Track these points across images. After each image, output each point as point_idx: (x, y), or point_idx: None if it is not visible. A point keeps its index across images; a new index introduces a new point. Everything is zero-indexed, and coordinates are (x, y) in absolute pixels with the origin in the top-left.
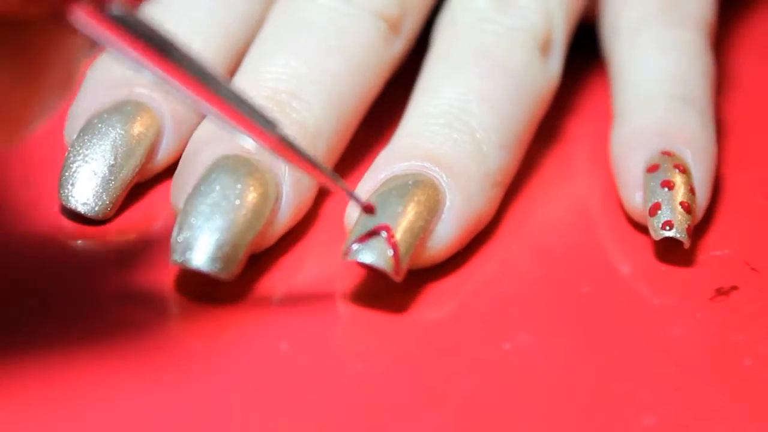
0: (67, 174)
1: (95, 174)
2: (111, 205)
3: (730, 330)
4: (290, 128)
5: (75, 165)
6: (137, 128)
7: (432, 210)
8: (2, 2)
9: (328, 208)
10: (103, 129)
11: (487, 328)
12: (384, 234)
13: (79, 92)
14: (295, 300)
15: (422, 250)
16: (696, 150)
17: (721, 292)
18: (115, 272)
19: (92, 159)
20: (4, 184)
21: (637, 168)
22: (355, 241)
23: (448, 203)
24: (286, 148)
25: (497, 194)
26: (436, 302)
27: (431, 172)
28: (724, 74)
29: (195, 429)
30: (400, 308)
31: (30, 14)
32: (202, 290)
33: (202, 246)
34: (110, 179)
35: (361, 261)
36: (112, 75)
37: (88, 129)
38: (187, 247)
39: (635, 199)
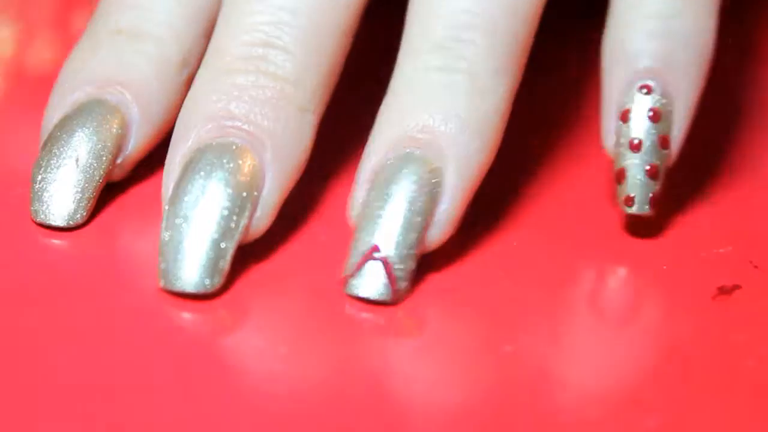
0: (33, 190)
1: (60, 184)
2: (81, 213)
3: (733, 330)
4: (268, 85)
5: (39, 179)
6: (99, 129)
7: (429, 199)
8: None
9: (327, 207)
10: (64, 137)
11: (488, 330)
12: (378, 256)
13: (48, 104)
14: (294, 302)
15: (424, 246)
16: (682, 76)
17: (723, 291)
18: (104, 274)
19: (55, 169)
20: None
21: (614, 105)
22: (351, 273)
23: (447, 180)
24: None
25: (501, 130)
26: (436, 303)
27: (426, 149)
28: (726, 71)
29: None
30: (400, 309)
31: None
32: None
33: (181, 266)
34: (77, 186)
35: (359, 296)
36: (72, 78)
37: (49, 140)
38: (167, 270)
39: (608, 144)
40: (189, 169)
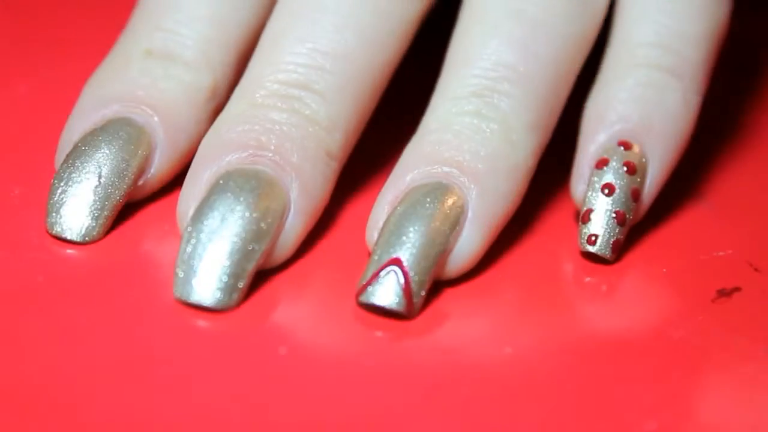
0: (51, 201)
1: (80, 199)
2: (98, 230)
3: (733, 332)
4: (301, 125)
5: (59, 191)
6: (125, 148)
7: (451, 227)
8: None
9: (328, 210)
10: (89, 151)
11: (488, 332)
12: (396, 269)
13: (69, 117)
14: (294, 303)
15: (442, 271)
16: (661, 136)
17: (723, 293)
18: (108, 280)
19: (76, 183)
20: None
21: (589, 156)
22: (368, 281)
23: (470, 214)
24: None
25: (526, 183)
26: (436, 305)
27: (455, 179)
28: (726, 73)
29: None
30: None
31: None
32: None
33: (200, 280)
34: (96, 203)
35: (372, 304)
36: (100, 93)
37: (73, 153)
38: (186, 281)
39: (576, 192)
40: (217, 189)
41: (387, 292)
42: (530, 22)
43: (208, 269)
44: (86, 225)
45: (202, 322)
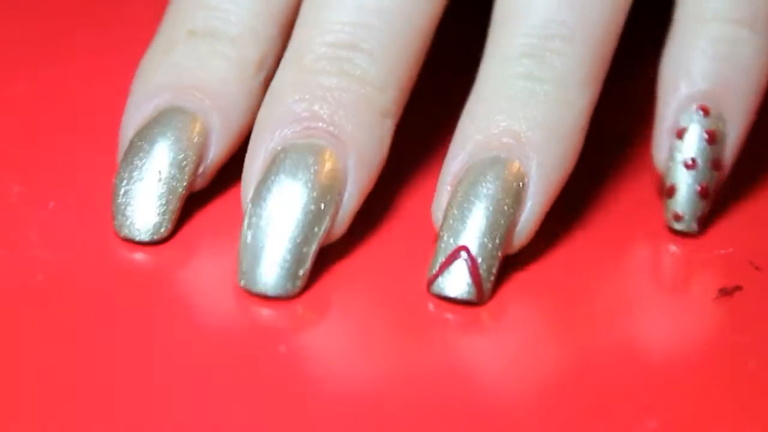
0: (116, 203)
1: (144, 197)
2: (166, 226)
3: (734, 331)
4: (352, 88)
5: (122, 192)
6: (181, 139)
7: (514, 204)
8: None
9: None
10: (145, 146)
11: (486, 331)
12: (464, 256)
13: (124, 111)
14: (294, 302)
15: (509, 248)
16: (740, 99)
17: (724, 292)
18: (107, 280)
19: (138, 181)
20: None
21: (668, 123)
22: (437, 273)
23: (532, 187)
24: None
25: (582, 139)
26: (434, 306)
27: (513, 153)
28: None
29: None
30: (401, 311)
31: None
32: (197, 292)
33: (263, 270)
34: (161, 199)
35: (444, 295)
36: (148, 83)
37: (130, 150)
38: (250, 270)
39: (659, 159)
40: (272, 169)
41: (457, 282)
42: None
43: (270, 257)
44: (154, 223)
45: (202, 320)
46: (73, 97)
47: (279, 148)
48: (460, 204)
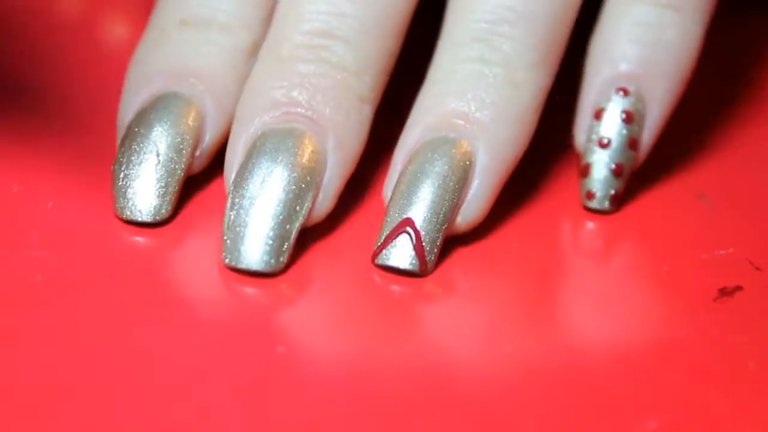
0: (116, 186)
1: (143, 180)
2: (166, 208)
3: (734, 331)
4: (329, 75)
5: (121, 176)
6: (177, 123)
7: (460, 181)
8: None
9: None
10: (142, 131)
11: (487, 330)
12: (408, 231)
13: (120, 98)
14: (293, 301)
15: (453, 226)
16: (662, 77)
17: (724, 292)
18: (104, 279)
19: (137, 165)
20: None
21: (588, 105)
22: (383, 245)
23: (479, 166)
24: None
25: (534, 122)
26: (434, 303)
27: (461, 132)
28: (726, 70)
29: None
30: (400, 310)
31: None
32: (194, 290)
33: (246, 247)
34: (160, 181)
35: (388, 265)
36: (142, 71)
37: (127, 136)
38: (233, 247)
39: (578, 139)
40: (254, 152)
41: (401, 253)
42: None
43: (253, 234)
44: (154, 204)
45: (199, 318)
46: (71, 94)
47: (259, 133)
48: (408, 181)
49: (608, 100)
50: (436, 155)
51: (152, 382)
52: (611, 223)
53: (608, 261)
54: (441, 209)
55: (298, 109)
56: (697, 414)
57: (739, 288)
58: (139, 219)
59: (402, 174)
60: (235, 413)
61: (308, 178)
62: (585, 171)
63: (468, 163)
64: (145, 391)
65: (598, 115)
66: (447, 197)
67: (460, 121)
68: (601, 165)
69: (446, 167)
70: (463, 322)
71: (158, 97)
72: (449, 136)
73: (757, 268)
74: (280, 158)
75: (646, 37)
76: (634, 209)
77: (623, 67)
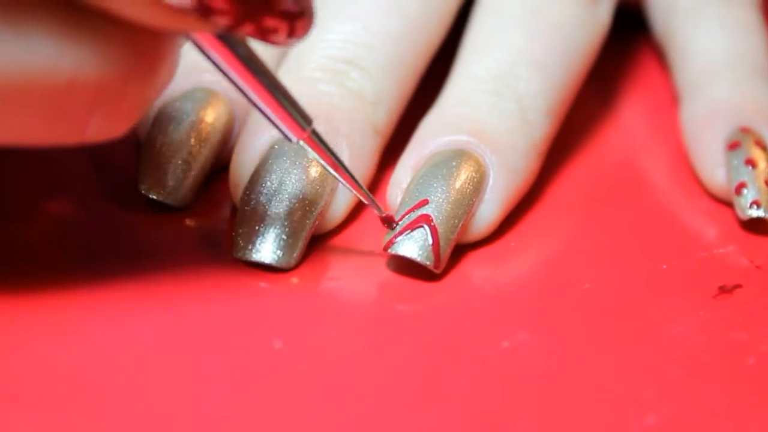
0: (144, 165)
1: (173, 162)
2: (191, 193)
3: (733, 328)
4: (348, 98)
5: (152, 155)
6: (210, 114)
7: (475, 191)
8: (153, 18)
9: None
10: (177, 117)
11: (486, 327)
12: (425, 226)
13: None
14: (290, 297)
15: (466, 233)
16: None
17: (724, 290)
18: (103, 277)
19: (169, 147)
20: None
21: (717, 145)
22: (398, 234)
23: (491, 182)
24: (317, 144)
25: (539, 164)
26: (434, 300)
27: (476, 148)
28: None
29: (187, 426)
30: (397, 306)
31: (169, 31)
32: (191, 287)
33: (261, 240)
34: (189, 166)
35: (402, 254)
36: (184, 62)
37: (161, 118)
38: (248, 241)
39: (717, 177)
40: (273, 154)
41: (416, 245)
42: (547, 20)
43: (269, 230)
44: (180, 188)
45: (197, 314)
46: None
47: (276, 138)
48: (422, 181)
49: (737, 136)
50: (452, 162)
51: (152, 372)
52: (611, 221)
53: (606, 258)
54: (457, 212)
55: (317, 120)
56: (696, 410)
57: (738, 286)
58: (162, 199)
59: (415, 176)
60: (229, 406)
61: (324, 182)
62: (740, 189)
63: (482, 177)
64: (146, 381)
65: (733, 146)
66: (463, 202)
67: (475, 139)
68: (755, 180)
69: (462, 173)
70: (463, 316)
71: (195, 89)
72: (465, 149)
73: (757, 267)
74: (298, 161)
75: (744, 104)
76: (634, 208)
77: (736, 116)
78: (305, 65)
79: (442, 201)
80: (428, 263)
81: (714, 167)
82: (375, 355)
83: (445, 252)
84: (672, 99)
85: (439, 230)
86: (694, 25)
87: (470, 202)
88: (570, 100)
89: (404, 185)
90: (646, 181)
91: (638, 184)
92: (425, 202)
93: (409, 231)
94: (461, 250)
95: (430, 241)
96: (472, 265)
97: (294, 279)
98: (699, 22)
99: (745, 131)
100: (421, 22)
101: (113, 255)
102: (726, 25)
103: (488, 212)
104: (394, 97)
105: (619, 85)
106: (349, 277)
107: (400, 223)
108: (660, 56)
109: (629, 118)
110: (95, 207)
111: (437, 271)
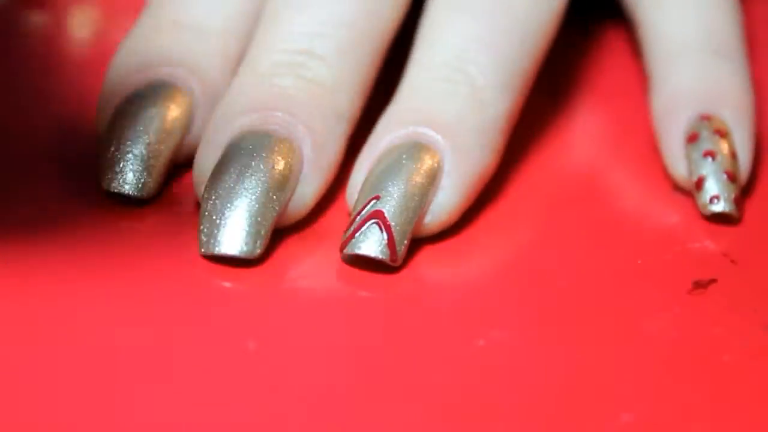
0: (104, 160)
1: (134, 155)
2: (155, 185)
3: (709, 324)
4: (306, 88)
5: (111, 149)
6: (169, 107)
7: (429, 180)
8: None
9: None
10: (135, 111)
11: (461, 324)
12: (377, 221)
13: (105, 79)
14: (262, 297)
15: (421, 224)
16: (735, 108)
17: (699, 285)
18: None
19: (129, 141)
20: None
21: (678, 137)
22: (352, 234)
23: (447, 167)
24: None
25: (501, 141)
26: (407, 298)
27: (427, 138)
28: None
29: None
30: (371, 305)
31: None
32: (164, 287)
33: (224, 233)
34: (150, 159)
35: (358, 253)
36: (135, 59)
37: (119, 114)
38: (210, 235)
39: (680, 170)
40: (232, 149)
41: (371, 242)
42: (498, 1)
43: (230, 221)
44: (143, 181)
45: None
46: (67, 89)
47: (236, 134)
48: (374, 180)
49: (696, 126)
50: (403, 156)
51: (124, 373)
52: (584, 216)
53: (581, 254)
54: (410, 205)
55: (277, 113)
56: (672, 406)
57: (713, 281)
58: (126, 191)
59: (370, 173)
60: (203, 408)
61: (285, 172)
62: (700, 184)
63: (436, 165)
64: (118, 382)
65: (692, 139)
66: (416, 193)
67: (426, 129)
68: (714, 173)
69: (414, 166)
70: (437, 316)
71: (150, 83)
72: (418, 141)
73: (732, 261)
74: (256, 153)
75: (706, 87)
76: (607, 202)
77: (697, 103)
78: (262, 60)
79: (394, 194)
80: (384, 258)
81: (677, 160)
82: (350, 354)
83: (402, 244)
84: (645, 87)
85: (392, 223)
86: (658, 4)
87: (424, 191)
88: (528, 76)
89: (359, 187)
90: (619, 174)
91: (611, 178)
92: (376, 198)
93: (361, 229)
94: (433, 243)
95: (385, 236)
96: (444, 261)
97: (259, 275)
98: (663, 1)
99: (705, 118)
100: (374, 5)
101: (73, 251)
102: (692, 2)
103: (447, 199)
104: (354, 81)
105: (591, 75)
106: (316, 273)
107: (353, 224)
108: (633, 41)
109: (601, 109)
110: (54, 203)
111: (395, 265)
